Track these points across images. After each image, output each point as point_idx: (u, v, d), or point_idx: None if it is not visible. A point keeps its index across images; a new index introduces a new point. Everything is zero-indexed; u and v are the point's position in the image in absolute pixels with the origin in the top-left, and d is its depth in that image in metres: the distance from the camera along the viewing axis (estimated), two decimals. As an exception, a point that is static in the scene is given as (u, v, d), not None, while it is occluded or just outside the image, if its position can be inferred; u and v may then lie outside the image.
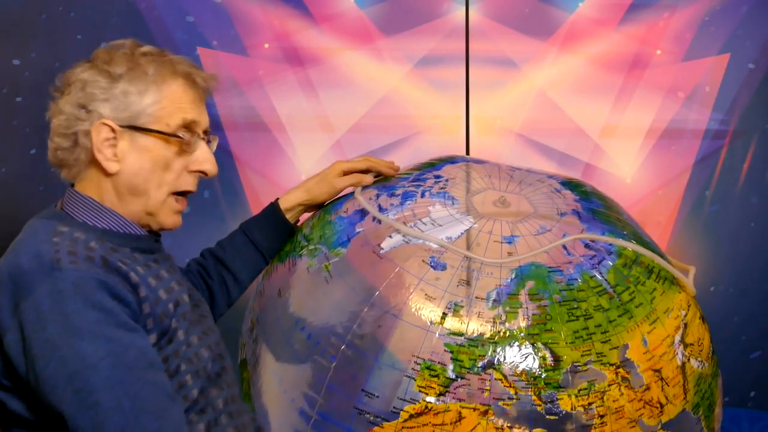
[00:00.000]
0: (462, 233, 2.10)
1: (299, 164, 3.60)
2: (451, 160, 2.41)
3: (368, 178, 2.30)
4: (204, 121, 1.90)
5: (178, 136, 1.83)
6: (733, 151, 3.63)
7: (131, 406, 1.63)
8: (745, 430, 3.63)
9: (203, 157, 1.89)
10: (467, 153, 3.57)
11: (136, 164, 1.82)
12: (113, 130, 1.80)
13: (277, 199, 2.31)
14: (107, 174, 1.82)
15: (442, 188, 2.24)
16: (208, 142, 1.94)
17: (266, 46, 3.60)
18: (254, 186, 3.54)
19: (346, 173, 2.31)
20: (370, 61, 3.64)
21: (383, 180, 2.34)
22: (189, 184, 1.89)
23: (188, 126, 1.85)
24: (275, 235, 2.29)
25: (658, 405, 2.03)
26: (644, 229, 2.41)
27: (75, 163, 1.84)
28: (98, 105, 1.80)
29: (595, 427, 1.97)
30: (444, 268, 2.04)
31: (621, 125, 3.65)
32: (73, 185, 1.89)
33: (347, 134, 3.63)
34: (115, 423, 1.61)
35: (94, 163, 1.82)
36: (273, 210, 2.29)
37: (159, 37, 3.50)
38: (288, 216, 2.29)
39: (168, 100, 1.82)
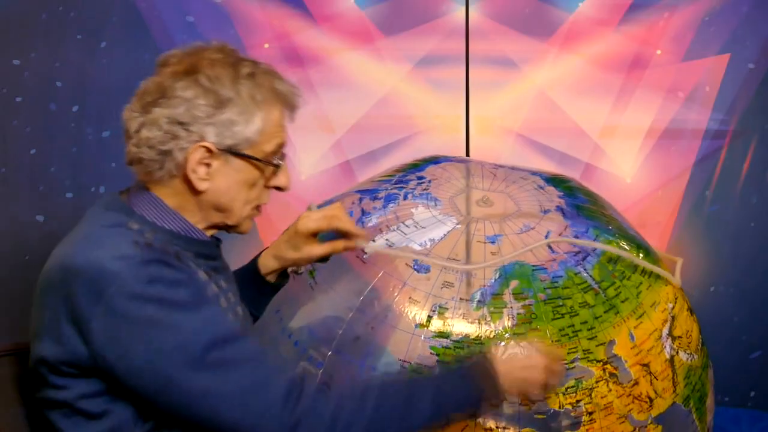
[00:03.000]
0: (445, 234, 2.11)
1: (299, 164, 3.61)
2: (434, 160, 2.40)
3: (341, 246, 2.08)
4: (286, 140, 1.88)
5: (273, 163, 1.82)
6: (733, 151, 3.63)
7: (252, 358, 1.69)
8: (745, 430, 3.62)
9: (281, 173, 1.87)
10: (467, 153, 3.57)
11: (225, 184, 1.80)
12: (209, 151, 1.76)
13: (260, 254, 2.17)
14: (194, 190, 1.80)
15: (424, 189, 2.24)
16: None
17: (266, 46, 3.61)
18: (254, 186, 3.55)
19: (314, 233, 2.10)
20: (370, 61, 3.65)
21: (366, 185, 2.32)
22: (267, 197, 1.88)
23: (281, 149, 1.85)
24: (258, 293, 2.17)
25: (648, 399, 2.04)
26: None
27: (160, 174, 1.79)
28: (201, 127, 1.75)
29: (584, 425, 1.97)
30: (428, 270, 2.04)
31: (621, 125, 3.65)
32: (144, 184, 1.84)
33: (347, 134, 3.64)
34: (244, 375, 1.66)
35: (181, 177, 1.79)
36: (254, 268, 2.16)
37: (159, 37, 3.51)
38: (268, 277, 2.15)
39: (268, 126, 1.80)
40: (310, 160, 3.62)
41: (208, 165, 1.77)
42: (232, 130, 1.76)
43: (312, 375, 1.76)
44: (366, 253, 2.07)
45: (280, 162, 1.84)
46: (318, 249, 2.07)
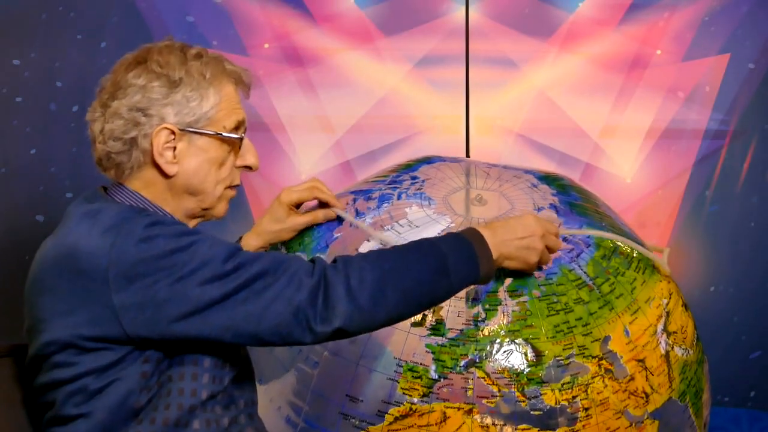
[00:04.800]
0: (439, 233, 2.10)
1: (299, 164, 3.62)
2: (428, 160, 2.41)
3: (322, 216, 2.23)
4: (245, 117, 1.93)
5: (235, 138, 1.86)
6: (733, 151, 3.63)
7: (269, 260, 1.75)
8: (745, 430, 3.62)
9: (248, 153, 1.91)
10: (467, 153, 3.58)
11: (194, 165, 1.85)
12: (172, 133, 1.82)
13: (241, 238, 2.28)
14: (165, 175, 1.85)
15: (418, 189, 2.24)
16: None
17: (266, 46, 3.62)
18: (254, 186, 3.55)
19: (296, 204, 2.24)
20: (370, 61, 3.65)
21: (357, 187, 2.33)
22: (238, 178, 1.93)
23: (241, 125, 1.89)
24: None
25: (644, 395, 2.04)
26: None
27: (129, 165, 1.85)
28: (160, 110, 1.81)
29: (580, 421, 1.97)
30: None
31: (621, 125, 3.65)
32: (118, 182, 1.89)
33: (347, 134, 3.64)
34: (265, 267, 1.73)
35: (150, 164, 1.84)
36: None
37: (159, 37, 3.48)
38: None
39: (225, 103, 1.86)
40: (310, 160, 3.63)
41: (173, 148, 1.83)
42: (189, 107, 1.82)
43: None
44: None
45: (243, 136, 1.89)
46: (300, 219, 2.22)
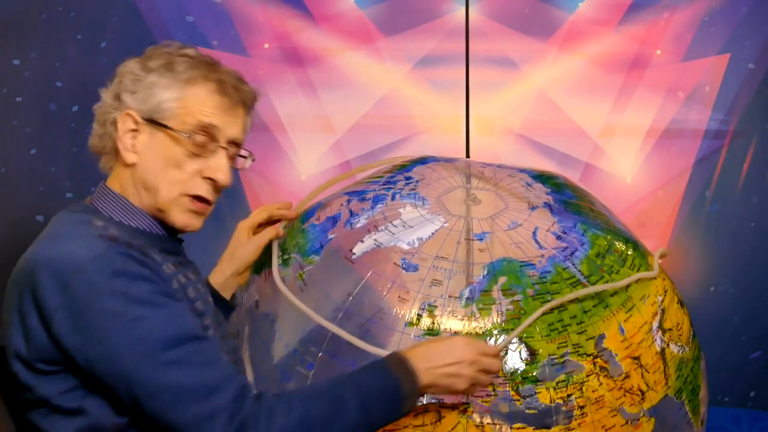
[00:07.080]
0: (433, 233, 2.11)
1: (299, 164, 3.62)
2: (422, 160, 2.41)
3: (281, 229, 2.25)
4: (231, 131, 1.87)
5: (189, 136, 1.82)
6: (733, 151, 3.62)
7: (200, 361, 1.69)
8: (745, 430, 3.62)
9: (216, 165, 1.85)
10: (467, 153, 3.57)
11: (150, 158, 1.83)
12: (136, 122, 1.82)
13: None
14: (127, 165, 1.84)
15: (412, 189, 2.24)
16: (240, 156, 1.94)
17: (266, 46, 3.62)
18: (254, 186, 3.56)
19: (254, 229, 2.25)
20: (370, 61, 3.65)
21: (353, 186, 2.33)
22: (201, 189, 1.86)
23: (206, 130, 1.83)
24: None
25: (639, 392, 2.04)
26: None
27: (105, 151, 1.87)
28: (127, 95, 1.83)
29: (575, 419, 1.97)
30: (416, 269, 2.04)
31: (621, 125, 3.65)
32: (105, 180, 1.89)
33: (347, 134, 3.64)
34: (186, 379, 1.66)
35: (119, 153, 1.84)
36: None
37: (159, 37, 3.52)
38: (224, 292, 2.22)
39: (191, 101, 1.83)
40: (310, 160, 3.63)
41: (135, 137, 1.83)
42: (147, 93, 1.82)
43: (251, 384, 1.77)
44: (354, 253, 2.12)
45: (197, 138, 1.83)
46: (261, 237, 2.22)
